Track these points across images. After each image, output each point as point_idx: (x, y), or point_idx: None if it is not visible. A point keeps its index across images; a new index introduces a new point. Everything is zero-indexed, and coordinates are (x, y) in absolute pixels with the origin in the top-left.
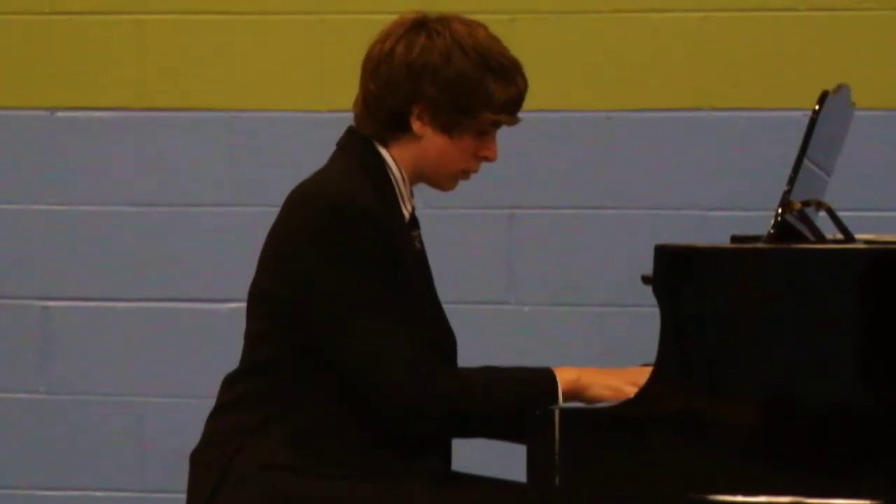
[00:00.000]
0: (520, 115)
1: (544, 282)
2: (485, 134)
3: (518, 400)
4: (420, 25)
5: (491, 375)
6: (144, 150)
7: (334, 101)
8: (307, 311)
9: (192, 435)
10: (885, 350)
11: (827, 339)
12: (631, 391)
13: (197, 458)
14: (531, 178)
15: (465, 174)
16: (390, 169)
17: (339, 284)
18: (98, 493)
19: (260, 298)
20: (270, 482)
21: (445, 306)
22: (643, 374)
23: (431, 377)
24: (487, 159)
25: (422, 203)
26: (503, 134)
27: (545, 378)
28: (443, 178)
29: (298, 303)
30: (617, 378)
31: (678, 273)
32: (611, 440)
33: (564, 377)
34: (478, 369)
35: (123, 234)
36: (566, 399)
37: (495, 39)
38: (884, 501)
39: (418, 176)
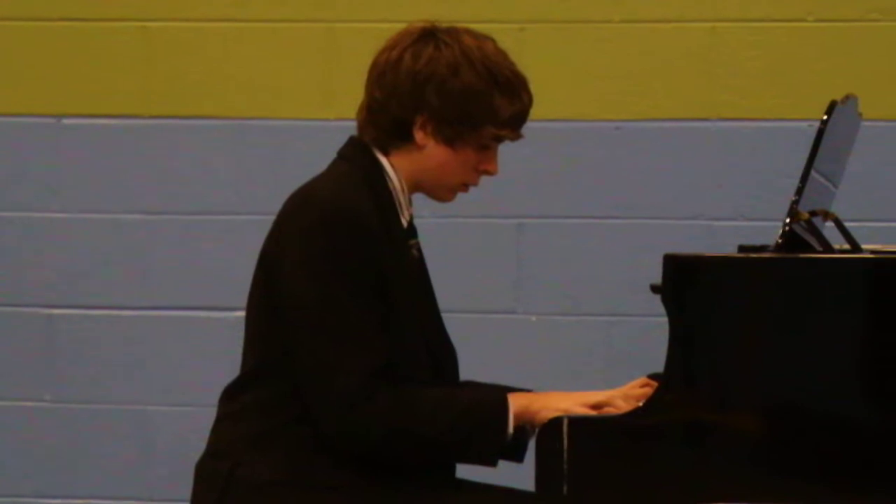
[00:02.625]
0: (527, 123)
1: (552, 291)
2: (486, 148)
3: (465, 425)
4: (429, 36)
5: (440, 398)
6: (151, 158)
7: (343, 110)
8: (283, 314)
9: (198, 443)
10: (891, 360)
11: (834, 348)
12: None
13: (201, 469)
14: (539, 188)
15: (465, 187)
16: (389, 177)
17: (313, 294)
18: (103, 502)
19: (254, 308)
20: (273, 497)
21: (453, 315)
22: (598, 394)
23: (373, 397)
24: (488, 173)
25: (429, 213)
26: (512, 143)
27: (497, 404)
28: (442, 190)
29: (283, 307)
30: (568, 400)
31: (687, 282)
32: (619, 449)
33: (516, 403)
34: (430, 390)
35: (129, 241)
36: (517, 423)
37: (503, 54)
38: None
39: (417, 185)
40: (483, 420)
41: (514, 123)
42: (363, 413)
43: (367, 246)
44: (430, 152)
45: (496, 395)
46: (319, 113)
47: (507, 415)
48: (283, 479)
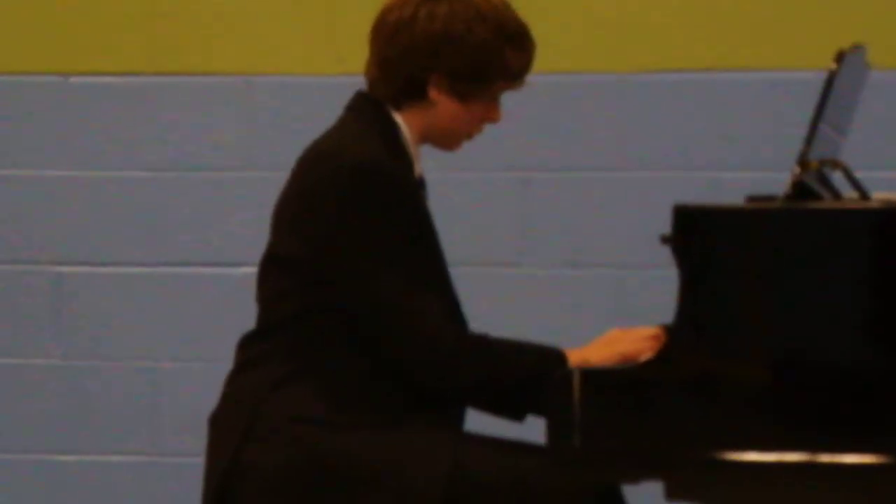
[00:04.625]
0: (532, 77)
1: (558, 244)
2: (494, 99)
3: (533, 373)
4: None
5: (513, 343)
6: (158, 115)
7: (349, 65)
8: (333, 269)
9: (207, 398)
10: None
11: (843, 297)
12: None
13: (219, 417)
14: (545, 141)
15: (470, 136)
16: (403, 133)
17: (369, 242)
18: (114, 458)
19: (278, 262)
20: (298, 434)
21: (458, 269)
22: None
23: (464, 335)
24: (493, 121)
25: (436, 166)
26: (518, 97)
27: (557, 357)
28: (450, 141)
29: (323, 262)
30: (619, 345)
31: (697, 232)
32: (630, 401)
33: (572, 357)
34: (497, 338)
35: (137, 199)
36: None
37: (505, 3)
38: (894, 457)
39: (426, 139)
40: (551, 371)
41: (522, 74)
42: (461, 350)
43: (405, 195)
44: (442, 108)
45: (556, 350)
46: (326, 68)
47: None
48: (307, 416)
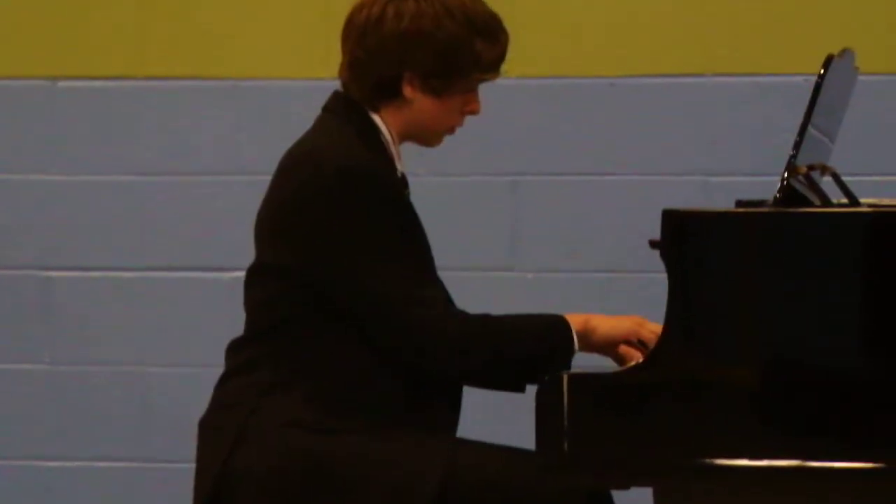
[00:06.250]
0: (521, 81)
1: (548, 248)
2: (470, 91)
3: (540, 343)
4: None
5: (516, 318)
6: (146, 119)
7: (337, 69)
8: (328, 273)
9: (196, 403)
10: (889, 313)
11: (833, 302)
12: (638, 332)
13: (208, 422)
14: (535, 145)
15: (452, 130)
16: (381, 132)
17: (361, 241)
18: (102, 464)
19: (265, 270)
20: (289, 439)
21: (450, 273)
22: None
23: (468, 317)
24: (472, 113)
25: (424, 170)
26: (508, 102)
27: (559, 322)
28: (431, 137)
29: (315, 267)
30: (620, 328)
31: (686, 237)
32: (619, 405)
33: (574, 320)
34: (498, 316)
35: (125, 203)
36: (580, 338)
37: None
38: (885, 463)
39: (406, 136)
40: (554, 338)
41: (496, 65)
42: (466, 332)
43: (391, 195)
44: (418, 105)
45: (555, 317)
46: (316, 72)
47: (570, 331)
48: (300, 421)
